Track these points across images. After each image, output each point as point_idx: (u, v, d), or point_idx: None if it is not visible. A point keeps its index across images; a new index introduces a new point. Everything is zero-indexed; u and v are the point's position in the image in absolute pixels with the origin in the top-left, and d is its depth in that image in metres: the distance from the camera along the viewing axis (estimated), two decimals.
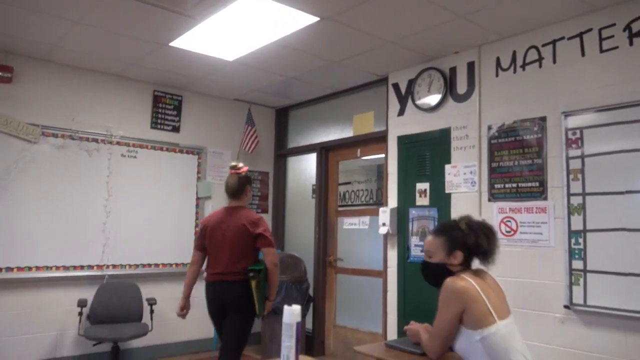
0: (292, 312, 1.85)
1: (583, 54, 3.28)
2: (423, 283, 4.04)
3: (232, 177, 3.59)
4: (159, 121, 5.12)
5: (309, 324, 5.24)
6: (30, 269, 4.27)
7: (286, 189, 6.06)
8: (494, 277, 2.26)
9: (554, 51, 3.43)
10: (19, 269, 4.22)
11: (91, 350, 4.41)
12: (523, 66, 3.60)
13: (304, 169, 5.91)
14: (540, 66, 3.51)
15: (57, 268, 4.40)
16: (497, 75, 3.76)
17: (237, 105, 5.70)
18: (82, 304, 4.27)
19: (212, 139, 5.49)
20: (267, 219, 5.94)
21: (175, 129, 5.23)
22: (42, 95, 4.44)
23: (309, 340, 5.19)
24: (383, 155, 4.71)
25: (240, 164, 3.58)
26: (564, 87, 3.36)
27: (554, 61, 3.43)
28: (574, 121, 3.27)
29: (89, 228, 4.59)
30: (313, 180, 5.63)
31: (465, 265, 2.18)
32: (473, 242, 2.14)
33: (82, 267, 4.53)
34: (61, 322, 4.39)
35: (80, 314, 4.26)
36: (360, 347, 2.34)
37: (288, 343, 1.84)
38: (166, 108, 5.18)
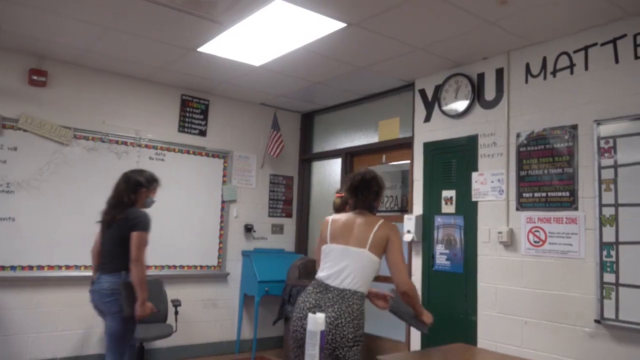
0: (316, 320, 1.85)
1: (617, 61, 3.20)
2: (448, 291, 4.02)
3: (337, 198, 3.94)
4: (186, 125, 5.19)
5: None
6: (60, 267, 4.38)
7: (310, 193, 6.06)
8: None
9: (586, 57, 3.35)
10: (50, 267, 4.33)
11: None
12: (554, 73, 3.53)
13: (329, 174, 5.90)
14: (571, 73, 3.43)
15: (86, 267, 4.49)
16: (526, 81, 3.69)
17: (263, 110, 5.74)
18: None
19: (238, 142, 5.54)
20: (291, 223, 5.96)
21: (202, 133, 5.29)
22: (74, 99, 4.55)
23: None
24: (408, 162, 4.67)
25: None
26: (597, 94, 3.28)
27: (586, 68, 3.35)
28: (606, 129, 3.18)
29: None
30: (338, 185, 5.61)
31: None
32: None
33: None
34: (89, 320, 4.46)
35: None
36: (384, 357, 2.31)
37: (312, 351, 1.84)
38: (193, 112, 5.25)
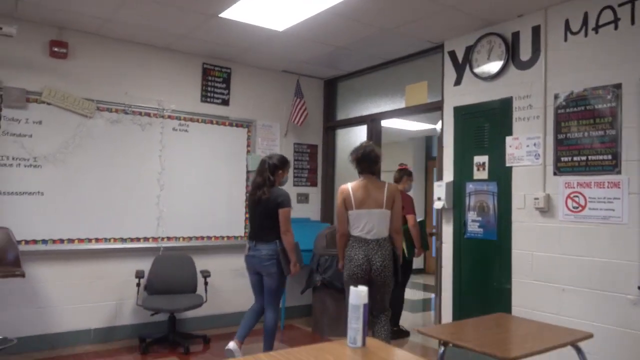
0: (358, 294, 1.78)
1: None
2: (480, 259, 3.94)
3: (396, 172, 5.03)
4: (208, 94, 5.10)
5: None
6: (90, 240, 4.40)
7: (335, 161, 5.97)
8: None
9: (633, 11, 3.14)
10: (80, 240, 4.36)
11: (149, 319, 4.54)
12: (596, 29, 3.32)
13: (354, 141, 5.77)
14: (615, 28, 3.22)
15: (115, 240, 4.52)
16: (565, 39, 3.50)
17: (286, 77, 5.60)
18: (139, 275, 4.38)
19: (261, 111, 5.44)
20: (316, 192, 5.90)
21: (225, 102, 5.20)
22: (96, 70, 4.48)
23: None
24: (433, 126, 4.53)
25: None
26: None
27: (632, 22, 3.14)
28: None
29: (143, 201, 4.67)
30: None
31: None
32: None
33: (138, 239, 4.63)
34: (120, 292, 4.53)
35: (139, 284, 4.38)
36: (424, 329, 2.26)
37: (355, 325, 1.78)
38: (215, 81, 5.14)
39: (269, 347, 3.87)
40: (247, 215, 5.26)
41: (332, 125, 5.92)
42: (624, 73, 3.17)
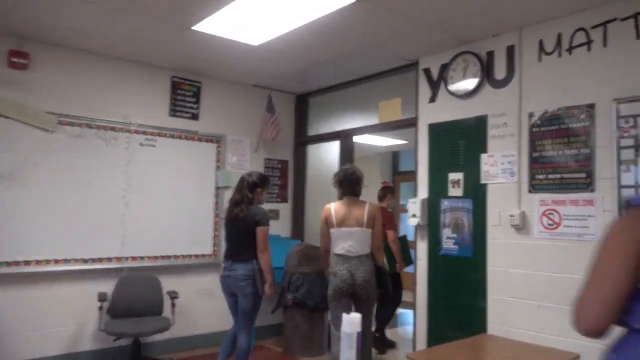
0: (352, 321, 1.69)
1: (638, 36, 3.07)
2: (455, 276, 3.93)
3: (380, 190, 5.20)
4: (177, 108, 4.94)
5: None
6: (48, 262, 4.14)
7: (306, 177, 5.88)
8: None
9: (605, 33, 3.21)
10: (38, 262, 4.09)
11: (112, 344, 4.30)
12: (569, 50, 3.39)
13: (325, 157, 5.73)
14: (589, 49, 3.29)
15: (76, 261, 4.27)
16: (539, 59, 3.55)
17: (257, 91, 5.51)
18: (102, 297, 4.15)
19: (231, 126, 5.32)
20: (287, 208, 5.79)
21: (194, 117, 5.05)
22: (58, 82, 4.26)
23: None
24: (401, 142, 4.53)
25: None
26: (616, 72, 3.15)
27: (605, 44, 3.21)
28: (627, 108, 3.07)
29: (107, 219, 4.44)
30: (335, 169, 5.44)
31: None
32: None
33: (101, 260, 4.39)
34: (81, 316, 4.27)
35: (101, 308, 4.14)
36: (413, 354, 2.18)
37: (348, 355, 1.69)
38: (185, 95, 4.99)
39: None
40: (217, 233, 5.11)
41: (303, 140, 5.84)
42: (597, 93, 3.24)
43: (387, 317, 5.13)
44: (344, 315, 1.72)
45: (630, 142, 3.05)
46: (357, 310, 3.50)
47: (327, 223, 3.71)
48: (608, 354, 1.26)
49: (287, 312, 4.86)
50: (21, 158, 4.05)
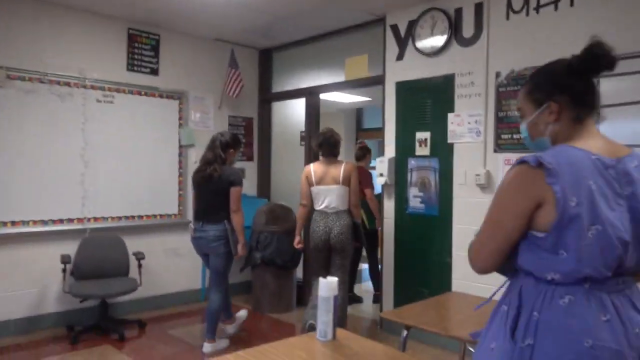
0: (329, 285, 1.71)
1: None
2: (422, 234, 4.02)
3: (358, 150, 5.26)
4: (135, 63, 4.71)
5: (299, 274, 5.18)
6: (5, 224, 3.98)
7: (271, 135, 5.81)
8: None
9: None
10: None
11: (77, 306, 4.24)
12: (537, 8, 3.39)
13: (291, 114, 5.65)
14: (556, 9, 3.31)
15: (35, 222, 4.12)
16: (507, 17, 3.55)
17: (219, 46, 5.30)
18: (65, 259, 4.04)
19: (194, 82, 5.13)
20: (252, 167, 5.72)
21: (154, 72, 4.84)
22: (6, 34, 3.97)
23: (300, 290, 5.14)
24: (365, 99, 4.50)
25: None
26: (582, 31, 3.17)
27: (572, 4, 3.23)
28: None
29: (66, 179, 4.28)
30: (301, 127, 5.40)
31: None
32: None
33: (61, 221, 4.26)
34: (43, 278, 4.17)
35: (64, 270, 4.04)
36: (388, 313, 2.25)
37: (325, 318, 1.71)
38: (143, 48, 4.75)
39: (212, 330, 3.75)
40: (182, 192, 5.02)
41: (267, 97, 5.72)
42: (564, 53, 3.24)
43: (354, 272, 5.27)
44: (321, 280, 1.74)
45: None
46: (332, 262, 3.84)
47: (308, 181, 3.91)
48: (500, 300, 1.41)
49: (256, 270, 4.89)
50: None
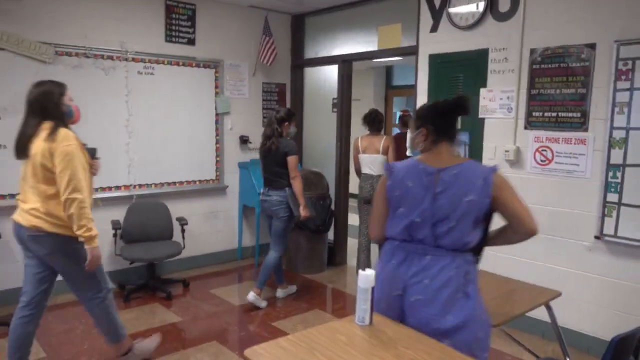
0: (367, 278, 1.91)
1: None
2: None
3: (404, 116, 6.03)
4: (173, 34, 4.84)
5: (331, 237, 5.44)
6: None
7: (303, 101, 5.92)
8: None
9: None
10: None
11: (127, 266, 4.60)
12: None
13: (323, 80, 5.73)
14: None
15: None
16: None
17: (253, 12, 5.35)
18: (116, 225, 4.37)
19: (229, 50, 5.24)
20: None
21: (191, 42, 4.96)
22: (51, 11, 4.12)
23: (331, 252, 5.42)
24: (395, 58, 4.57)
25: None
26: (621, 12, 3.16)
27: None
28: (627, 51, 3.13)
29: (113, 149, 4.54)
30: (333, 93, 5.49)
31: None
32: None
33: (110, 189, 4.56)
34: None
35: (115, 235, 4.38)
36: None
37: (364, 306, 1.92)
38: (180, 19, 4.86)
39: (261, 282, 4.21)
40: (219, 159, 5.26)
41: (300, 63, 5.79)
42: (599, 34, 3.26)
43: None
44: (360, 272, 1.94)
45: (627, 85, 3.14)
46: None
47: (355, 150, 4.87)
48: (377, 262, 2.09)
49: (290, 234, 5.14)
50: (22, 90, 4.03)
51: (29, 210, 2.60)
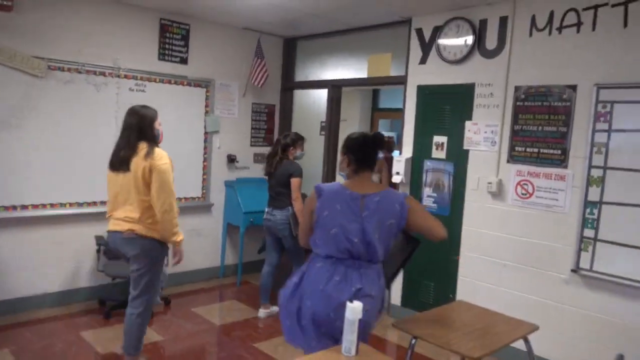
0: (354, 310, 1.96)
1: (625, 24, 3.21)
2: None
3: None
4: (166, 52, 4.89)
5: None
6: (44, 206, 4.27)
7: (292, 122, 5.99)
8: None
9: (595, 17, 3.33)
10: (34, 206, 4.22)
11: (108, 281, 4.57)
12: (560, 29, 3.51)
13: (312, 102, 5.83)
14: (577, 31, 3.42)
15: (71, 205, 4.42)
16: (530, 34, 3.66)
17: (246, 34, 5.44)
18: (100, 241, 4.35)
19: (220, 70, 5.30)
20: None
21: (183, 61, 5.01)
22: (45, 26, 4.14)
23: None
24: None
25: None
26: (601, 57, 3.31)
27: (593, 28, 3.35)
28: (606, 94, 3.28)
29: (99, 165, 4.48)
30: (321, 116, 5.58)
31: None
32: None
33: (95, 204, 4.54)
34: (78, 256, 4.50)
35: (99, 251, 4.36)
36: (399, 323, 2.51)
37: (350, 337, 1.98)
38: (173, 38, 4.92)
39: (265, 299, 4.54)
40: (205, 177, 5.28)
41: (290, 85, 5.88)
42: (581, 76, 3.41)
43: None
44: (347, 303, 1.99)
45: (605, 126, 3.29)
46: None
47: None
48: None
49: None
50: (14, 103, 4.04)
51: (124, 217, 3.03)
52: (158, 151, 3.02)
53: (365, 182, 2.32)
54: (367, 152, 2.34)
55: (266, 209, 4.42)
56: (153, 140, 3.08)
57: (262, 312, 4.49)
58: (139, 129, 3.04)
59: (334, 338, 2.20)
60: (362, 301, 2.02)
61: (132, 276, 3.12)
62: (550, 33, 3.56)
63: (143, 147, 3.00)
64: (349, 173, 2.36)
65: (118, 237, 3.07)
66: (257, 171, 5.77)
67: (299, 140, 4.45)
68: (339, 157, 2.43)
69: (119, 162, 3.03)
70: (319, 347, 2.15)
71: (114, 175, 3.08)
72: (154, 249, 3.09)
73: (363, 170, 2.33)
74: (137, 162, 2.96)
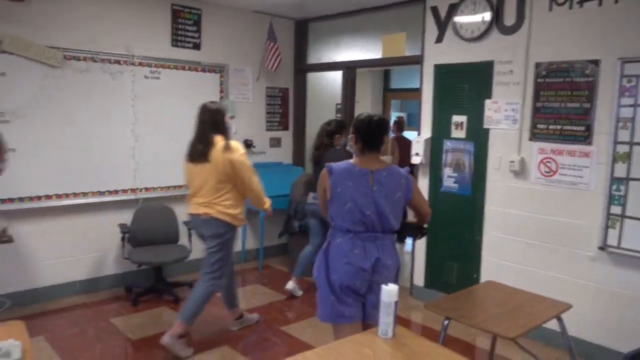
0: (390, 292, 1.98)
1: None
2: (454, 212, 4.25)
3: None
4: (179, 38, 4.86)
5: None
6: (67, 195, 4.31)
7: (306, 105, 5.96)
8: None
9: None
10: (57, 196, 4.26)
11: (134, 268, 4.64)
12: (581, 2, 3.44)
13: (325, 84, 5.79)
14: (600, 4, 3.35)
15: (93, 194, 4.45)
16: (550, 9, 3.60)
17: (257, 18, 5.39)
18: (124, 228, 4.40)
19: (233, 55, 5.27)
20: (288, 136, 5.94)
21: (196, 46, 4.99)
22: (58, 15, 4.14)
23: None
24: None
25: None
26: (625, 30, 3.25)
27: (616, 1, 3.27)
28: (631, 68, 3.22)
29: (119, 153, 4.56)
30: (336, 98, 5.55)
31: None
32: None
33: (116, 192, 4.58)
34: (103, 244, 4.56)
35: (123, 238, 4.41)
36: (431, 304, 2.53)
37: (386, 319, 2.00)
38: (186, 24, 4.88)
39: (298, 272, 4.68)
40: None
41: (303, 68, 5.84)
42: (604, 50, 3.36)
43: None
44: (383, 287, 2.01)
45: (631, 101, 3.24)
46: None
47: None
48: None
49: (293, 237, 5.23)
50: (31, 95, 4.05)
51: (203, 202, 3.39)
52: (233, 144, 3.35)
53: (373, 160, 2.47)
54: (372, 134, 2.47)
55: (311, 194, 4.51)
56: (226, 133, 3.41)
57: (290, 284, 4.60)
58: (213, 123, 3.38)
59: (361, 297, 2.49)
60: (380, 270, 2.41)
61: (205, 254, 3.50)
62: (571, 7, 3.49)
63: (218, 139, 3.33)
64: (356, 151, 2.51)
65: (197, 219, 3.46)
66: (274, 156, 5.78)
67: (343, 127, 4.47)
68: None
69: (197, 154, 3.37)
70: (353, 312, 2.46)
71: (192, 166, 3.43)
72: (226, 231, 3.44)
73: (369, 151, 2.47)
74: (216, 155, 3.29)
